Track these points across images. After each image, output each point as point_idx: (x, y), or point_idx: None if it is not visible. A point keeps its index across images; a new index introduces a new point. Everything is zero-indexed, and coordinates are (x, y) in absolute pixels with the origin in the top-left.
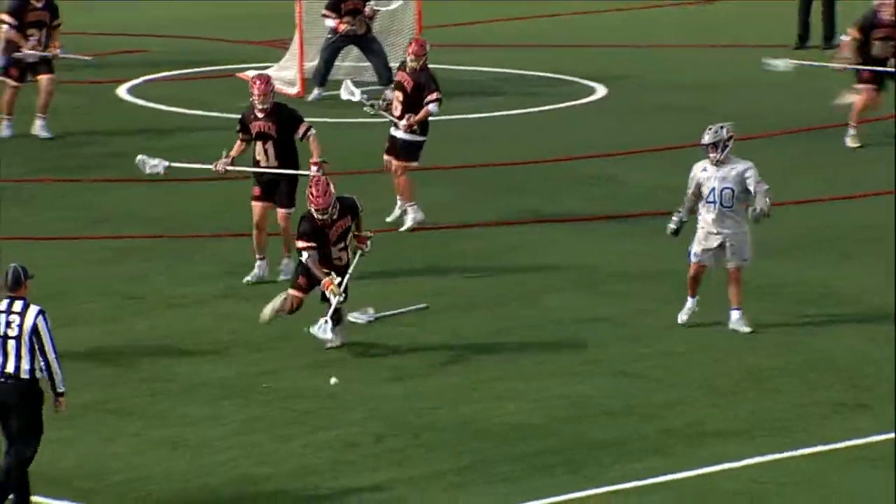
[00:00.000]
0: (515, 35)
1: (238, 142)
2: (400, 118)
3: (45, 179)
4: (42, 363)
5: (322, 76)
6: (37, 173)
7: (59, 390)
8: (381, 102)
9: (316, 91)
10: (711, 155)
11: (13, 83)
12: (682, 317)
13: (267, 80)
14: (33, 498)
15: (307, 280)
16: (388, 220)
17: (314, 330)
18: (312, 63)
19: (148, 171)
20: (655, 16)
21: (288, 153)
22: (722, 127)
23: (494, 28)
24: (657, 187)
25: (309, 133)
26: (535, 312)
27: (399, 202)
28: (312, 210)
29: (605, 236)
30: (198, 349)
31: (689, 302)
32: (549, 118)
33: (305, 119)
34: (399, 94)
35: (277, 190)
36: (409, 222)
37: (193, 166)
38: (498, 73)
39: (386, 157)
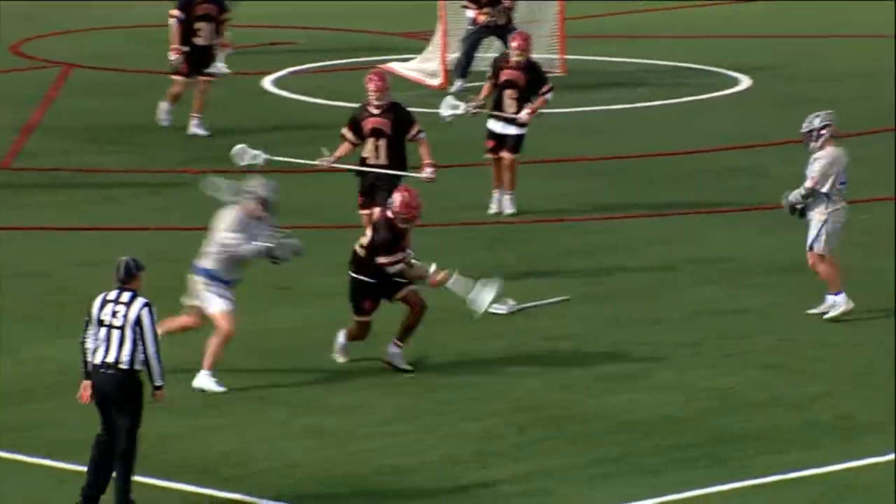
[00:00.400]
0: (659, 26)
1: (345, 143)
2: (516, 113)
3: (189, 170)
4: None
5: (464, 68)
6: (183, 164)
7: (157, 384)
8: (469, 106)
9: (458, 82)
10: (811, 144)
11: (183, 79)
12: (812, 310)
13: (383, 77)
14: (180, 486)
15: (373, 303)
16: (491, 212)
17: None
18: (455, 55)
19: (246, 161)
20: (802, 5)
21: (398, 153)
22: (816, 116)
23: (637, 19)
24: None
25: (420, 135)
26: (680, 304)
27: (497, 194)
28: (403, 219)
29: (750, 228)
30: None
31: (827, 298)
32: (693, 109)
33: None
34: (512, 92)
35: (380, 191)
36: (513, 208)
37: (294, 161)
38: (641, 64)
39: (492, 154)
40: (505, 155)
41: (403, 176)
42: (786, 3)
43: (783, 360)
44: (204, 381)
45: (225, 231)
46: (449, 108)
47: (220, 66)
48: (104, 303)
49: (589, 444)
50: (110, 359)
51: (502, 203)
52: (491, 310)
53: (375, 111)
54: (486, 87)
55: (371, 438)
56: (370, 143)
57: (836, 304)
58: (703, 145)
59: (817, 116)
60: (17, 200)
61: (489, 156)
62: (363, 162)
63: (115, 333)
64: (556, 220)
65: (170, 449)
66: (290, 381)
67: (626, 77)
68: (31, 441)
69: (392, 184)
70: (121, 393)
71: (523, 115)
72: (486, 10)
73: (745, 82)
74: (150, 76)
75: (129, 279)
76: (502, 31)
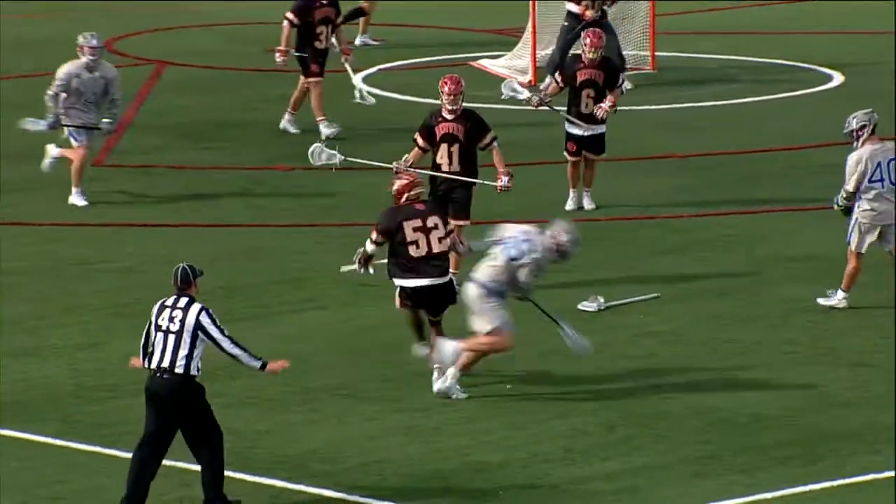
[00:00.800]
0: (750, 22)
1: (415, 149)
2: (593, 112)
3: (280, 167)
4: (198, 359)
5: (556, 64)
6: (273, 161)
7: (259, 367)
8: (534, 97)
9: (549, 79)
10: (853, 145)
11: (316, 78)
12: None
13: (458, 81)
14: (271, 481)
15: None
16: (568, 209)
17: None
18: (545, 51)
19: (324, 160)
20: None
21: (470, 160)
22: (854, 117)
23: (729, 15)
24: None
25: (494, 143)
26: (772, 302)
27: (573, 192)
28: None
29: (842, 225)
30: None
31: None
32: (784, 106)
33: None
34: (590, 91)
35: (453, 199)
36: (593, 204)
37: (370, 163)
38: (733, 61)
39: (574, 158)
40: (589, 155)
41: (479, 183)
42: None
43: (874, 358)
44: (449, 377)
45: (513, 262)
46: (510, 89)
47: (364, 92)
48: (162, 308)
49: (679, 443)
50: (166, 363)
51: (582, 200)
52: (580, 307)
53: (449, 116)
54: (553, 86)
55: (459, 435)
56: (443, 149)
57: (833, 295)
58: (795, 142)
59: (854, 117)
60: (108, 197)
61: (571, 158)
62: (437, 168)
63: (172, 338)
64: (648, 217)
65: (260, 444)
66: (380, 377)
67: (718, 74)
68: (124, 437)
69: (467, 190)
70: (175, 398)
71: (600, 113)
72: (585, 3)
73: (837, 79)
74: (242, 73)
75: (186, 285)
76: (597, 26)
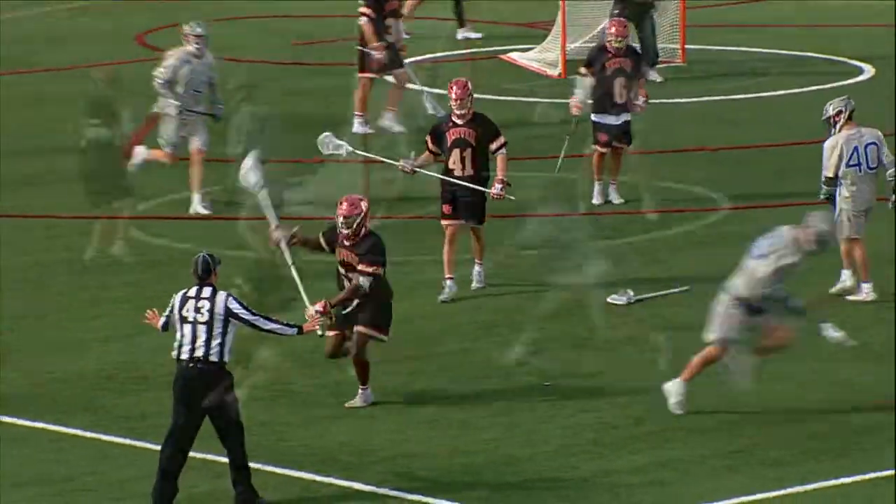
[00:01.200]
0: (780, 15)
1: (426, 152)
2: (624, 101)
3: (302, 160)
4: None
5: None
6: (296, 154)
7: (294, 334)
8: (576, 112)
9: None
10: (831, 132)
11: (369, 77)
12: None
13: (464, 85)
14: (301, 474)
15: None
16: (595, 203)
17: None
18: (574, 44)
19: (330, 150)
20: None
21: (483, 164)
22: (830, 104)
23: (758, 8)
24: None
25: (502, 150)
26: (802, 295)
27: (598, 185)
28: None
29: (871, 219)
30: (460, 329)
31: (860, 286)
32: (814, 99)
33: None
34: (622, 80)
35: (469, 205)
36: (620, 198)
37: (375, 157)
38: (763, 54)
39: (605, 149)
40: (619, 146)
41: (478, 190)
42: None
43: None
44: (671, 387)
45: (759, 259)
46: (581, 88)
47: (432, 101)
48: (185, 299)
49: (709, 436)
50: (199, 353)
51: (609, 193)
52: (609, 301)
53: (459, 121)
54: (587, 81)
55: (488, 429)
56: (455, 155)
57: (859, 292)
58: (825, 135)
59: (831, 104)
60: (136, 190)
61: (602, 150)
62: (449, 173)
63: (202, 328)
64: (678, 210)
65: (290, 437)
66: (408, 371)
67: (748, 67)
68: (154, 429)
69: (481, 194)
70: (210, 387)
71: (641, 102)
72: None
73: (867, 71)
74: (269, 66)
75: (207, 275)
76: (644, 13)
